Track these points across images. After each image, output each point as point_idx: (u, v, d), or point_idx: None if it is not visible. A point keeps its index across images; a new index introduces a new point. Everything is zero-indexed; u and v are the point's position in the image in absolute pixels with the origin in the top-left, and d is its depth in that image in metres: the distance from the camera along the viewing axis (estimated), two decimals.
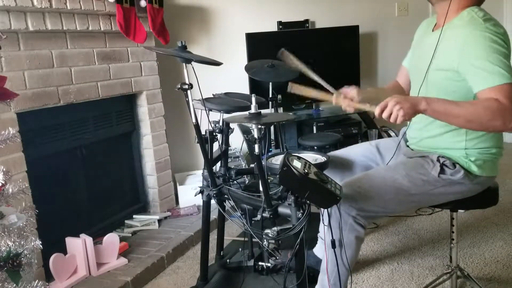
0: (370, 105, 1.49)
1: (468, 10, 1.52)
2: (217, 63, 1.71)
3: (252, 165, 2.28)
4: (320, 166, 1.71)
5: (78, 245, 2.10)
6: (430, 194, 1.59)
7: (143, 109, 2.76)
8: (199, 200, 2.14)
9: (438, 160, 1.58)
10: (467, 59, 1.45)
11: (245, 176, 2.42)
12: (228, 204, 1.85)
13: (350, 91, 1.69)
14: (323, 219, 1.52)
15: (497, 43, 1.41)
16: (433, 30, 1.66)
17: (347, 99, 1.64)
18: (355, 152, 1.91)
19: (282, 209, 1.61)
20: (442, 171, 1.56)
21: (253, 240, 2.07)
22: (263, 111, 1.59)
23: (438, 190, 1.58)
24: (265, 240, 1.67)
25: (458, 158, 1.59)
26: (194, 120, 1.68)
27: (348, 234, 1.55)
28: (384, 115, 1.40)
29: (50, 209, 2.08)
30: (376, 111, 1.42)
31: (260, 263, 2.00)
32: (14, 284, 1.23)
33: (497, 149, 1.60)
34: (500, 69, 1.38)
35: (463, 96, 1.50)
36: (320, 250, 1.97)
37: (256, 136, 1.50)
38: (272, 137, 3.19)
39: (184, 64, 1.64)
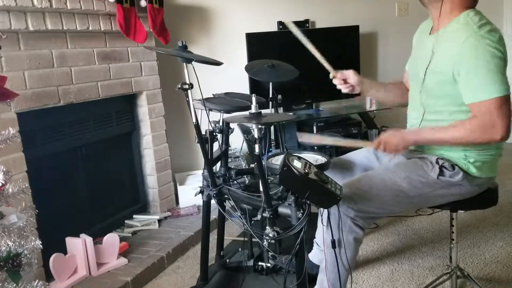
0: (366, 143, 1.74)
1: (464, 14, 1.51)
2: (218, 63, 1.71)
3: (252, 165, 2.28)
4: (321, 167, 1.71)
5: (78, 245, 2.10)
6: (429, 195, 1.59)
7: (143, 109, 2.76)
8: (199, 200, 2.14)
9: (437, 162, 1.58)
10: (460, 68, 1.46)
11: (245, 176, 2.42)
12: (228, 204, 1.85)
13: (347, 72, 1.82)
14: (322, 221, 1.52)
15: (491, 53, 1.41)
16: (430, 33, 1.66)
17: (342, 79, 1.82)
18: (355, 155, 1.91)
19: (282, 209, 1.61)
20: (441, 173, 1.57)
21: (253, 240, 2.07)
22: (263, 111, 1.59)
23: (437, 192, 1.58)
24: (265, 240, 1.67)
25: (457, 160, 1.59)
26: (194, 120, 1.68)
27: (347, 236, 1.55)
28: (380, 152, 1.64)
29: (50, 209, 2.08)
30: (371, 148, 1.68)
31: (260, 263, 2.00)
32: (14, 284, 1.23)
33: (496, 150, 1.60)
34: (490, 83, 1.41)
35: (456, 99, 1.51)
36: (316, 256, 1.97)
37: (256, 136, 1.50)
38: (272, 137, 3.19)
39: (184, 64, 1.64)
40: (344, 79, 1.81)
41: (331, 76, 1.81)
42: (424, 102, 1.62)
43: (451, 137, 1.51)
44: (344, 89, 1.82)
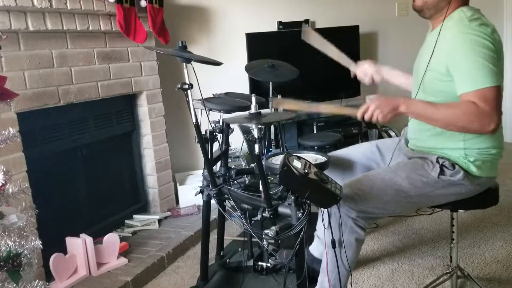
0: (352, 109, 1.58)
1: (457, 11, 1.54)
2: (217, 63, 1.71)
3: (252, 165, 2.28)
4: (320, 166, 1.71)
5: (78, 245, 2.10)
6: (429, 195, 1.59)
7: (143, 109, 2.76)
8: (199, 200, 2.15)
9: (437, 161, 1.58)
10: (453, 61, 1.47)
11: (245, 176, 2.41)
12: (228, 204, 1.85)
13: (364, 65, 1.85)
14: (323, 219, 1.52)
15: (482, 44, 1.42)
16: (430, 31, 1.69)
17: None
18: (355, 152, 1.91)
19: (282, 209, 1.61)
20: (441, 172, 1.56)
21: (253, 240, 2.07)
22: (263, 111, 1.60)
23: (438, 192, 1.58)
24: (265, 240, 1.67)
25: (457, 159, 1.59)
26: (194, 120, 1.68)
27: (348, 236, 1.55)
28: (366, 118, 1.51)
29: (50, 209, 2.08)
30: (358, 115, 1.53)
31: (259, 263, 2.00)
32: (14, 284, 1.23)
33: (497, 149, 1.59)
34: (482, 73, 1.41)
35: (451, 96, 1.52)
36: (317, 249, 1.97)
37: (256, 136, 1.51)
38: (272, 137, 3.19)
39: (184, 64, 1.64)
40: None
41: (352, 74, 1.84)
42: (422, 98, 1.62)
43: (443, 116, 1.48)
44: (368, 82, 1.86)
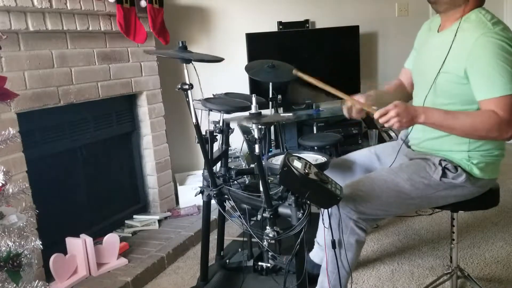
0: (372, 107, 1.52)
1: (475, 12, 1.50)
2: (217, 59, 1.70)
3: (252, 165, 2.28)
4: (321, 167, 1.71)
5: (78, 245, 2.10)
6: (431, 197, 1.59)
7: (143, 109, 2.76)
8: (199, 200, 2.15)
9: (440, 164, 1.57)
10: (473, 65, 1.44)
11: (245, 176, 2.41)
12: (228, 204, 1.85)
13: (359, 98, 1.65)
14: (323, 221, 1.52)
15: (505, 50, 1.40)
16: (438, 31, 1.64)
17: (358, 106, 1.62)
18: (355, 155, 1.91)
19: (282, 209, 1.61)
20: (444, 174, 1.56)
21: (253, 240, 2.07)
22: (263, 111, 1.59)
23: (439, 194, 1.58)
24: (265, 240, 1.67)
25: (460, 161, 1.58)
26: (194, 120, 1.68)
27: (349, 238, 1.54)
28: (382, 120, 1.45)
29: (50, 209, 2.08)
30: (376, 115, 1.47)
31: (259, 263, 2.00)
32: (14, 284, 1.23)
33: (499, 150, 1.59)
34: (504, 80, 1.39)
35: (466, 98, 1.50)
36: (317, 255, 1.97)
37: (256, 136, 1.50)
38: (272, 137, 3.19)
39: (184, 64, 1.64)
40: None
41: (346, 109, 1.63)
42: (431, 101, 1.59)
43: (462, 126, 1.46)
44: (358, 117, 1.67)
